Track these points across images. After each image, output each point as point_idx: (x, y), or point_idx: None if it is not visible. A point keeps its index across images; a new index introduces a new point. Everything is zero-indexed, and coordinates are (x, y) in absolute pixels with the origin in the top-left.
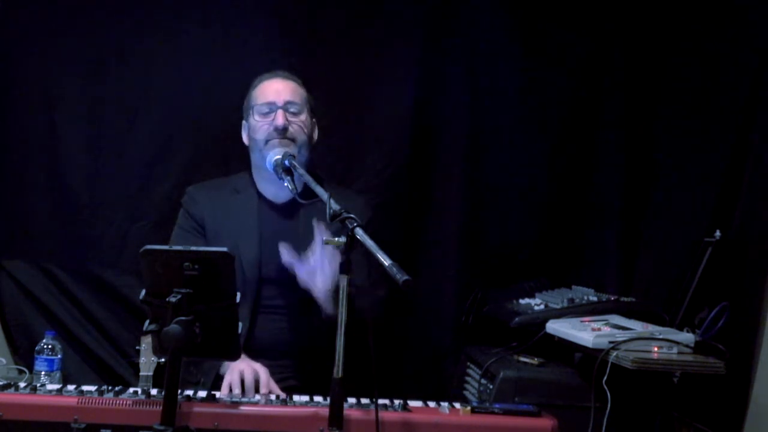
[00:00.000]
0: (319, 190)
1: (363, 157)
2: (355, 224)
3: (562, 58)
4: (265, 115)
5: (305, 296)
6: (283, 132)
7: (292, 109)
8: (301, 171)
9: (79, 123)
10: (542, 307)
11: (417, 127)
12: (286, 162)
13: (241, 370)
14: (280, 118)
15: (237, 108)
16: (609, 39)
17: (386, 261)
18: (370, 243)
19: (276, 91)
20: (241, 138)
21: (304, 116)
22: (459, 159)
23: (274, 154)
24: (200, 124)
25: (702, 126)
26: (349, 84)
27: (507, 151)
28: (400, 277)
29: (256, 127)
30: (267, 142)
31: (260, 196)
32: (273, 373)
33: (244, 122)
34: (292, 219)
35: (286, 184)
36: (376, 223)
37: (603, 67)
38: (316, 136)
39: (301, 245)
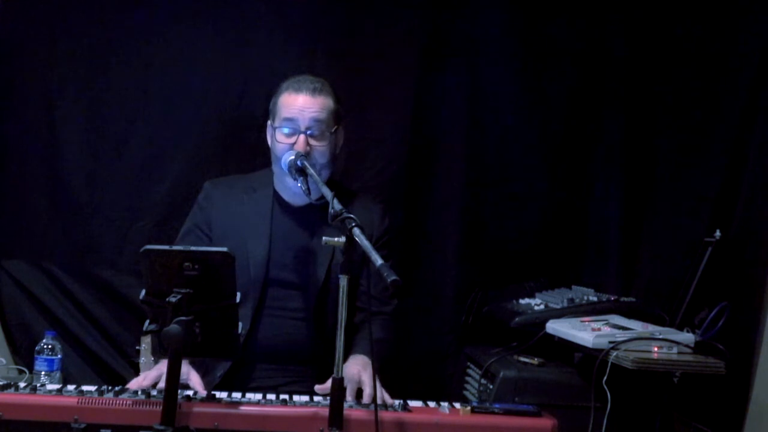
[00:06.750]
0: (325, 190)
1: (363, 157)
2: (353, 224)
3: (561, 56)
4: (287, 136)
5: (314, 301)
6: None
7: (315, 133)
8: (311, 171)
9: (79, 123)
10: (542, 307)
11: (417, 126)
12: (299, 162)
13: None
14: (300, 145)
15: (237, 109)
16: (609, 36)
17: (378, 261)
18: (365, 243)
19: (300, 110)
20: (242, 138)
21: (327, 140)
22: (459, 158)
23: (289, 155)
24: (201, 125)
25: (702, 125)
26: (350, 84)
27: (507, 150)
28: (390, 277)
29: (277, 146)
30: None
31: (278, 196)
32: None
33: (269, 122)
34: (307, 224)
35: (299, 185)
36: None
37: (603, 66)
38: (341, 142)
39: (311, 251)
